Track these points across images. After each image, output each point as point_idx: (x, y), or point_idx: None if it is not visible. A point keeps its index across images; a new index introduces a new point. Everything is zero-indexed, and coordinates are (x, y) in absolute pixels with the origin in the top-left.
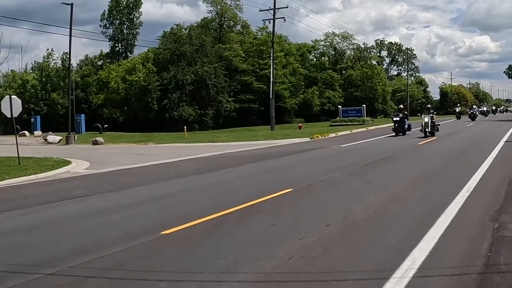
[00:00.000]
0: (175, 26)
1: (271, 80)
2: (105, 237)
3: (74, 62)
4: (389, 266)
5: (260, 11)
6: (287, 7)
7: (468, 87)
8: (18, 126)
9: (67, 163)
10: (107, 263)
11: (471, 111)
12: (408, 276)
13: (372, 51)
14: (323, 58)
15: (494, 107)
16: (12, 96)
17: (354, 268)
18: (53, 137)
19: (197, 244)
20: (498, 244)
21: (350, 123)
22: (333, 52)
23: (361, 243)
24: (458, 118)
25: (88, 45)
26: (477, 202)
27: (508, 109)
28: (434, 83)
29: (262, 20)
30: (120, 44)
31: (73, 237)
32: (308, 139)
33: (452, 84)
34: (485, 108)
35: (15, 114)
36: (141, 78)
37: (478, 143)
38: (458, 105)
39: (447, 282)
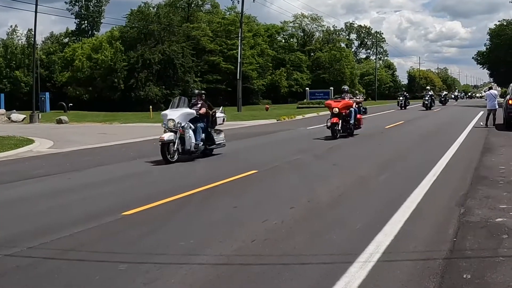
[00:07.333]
0: (142, 4)
1: (239, 61)
2: (65, 218)
3: (40, 39)
4: (353, 250)
5: None
6: None
7: (437, 72)
8: None
9: (30, 142)
10: (67, 244)
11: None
12: (372, 260)
13: (341, 33)
14: (291, 39)
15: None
16: None
17: (318, 252)
18: (17, 116)
19: (159, 225)
20: (464, 229)
21: (318, 105)
22: (302, 34)
23: (325, 226)
24: None
25: (57, 23)
26: (443, 187)
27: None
28: (403, 67)
29: None
30: (86, 22)
31: (32, 217)
32: (275, 120)
33: (421, 68)
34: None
35: None
36: (108, 57)
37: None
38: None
39: (412, 266)
